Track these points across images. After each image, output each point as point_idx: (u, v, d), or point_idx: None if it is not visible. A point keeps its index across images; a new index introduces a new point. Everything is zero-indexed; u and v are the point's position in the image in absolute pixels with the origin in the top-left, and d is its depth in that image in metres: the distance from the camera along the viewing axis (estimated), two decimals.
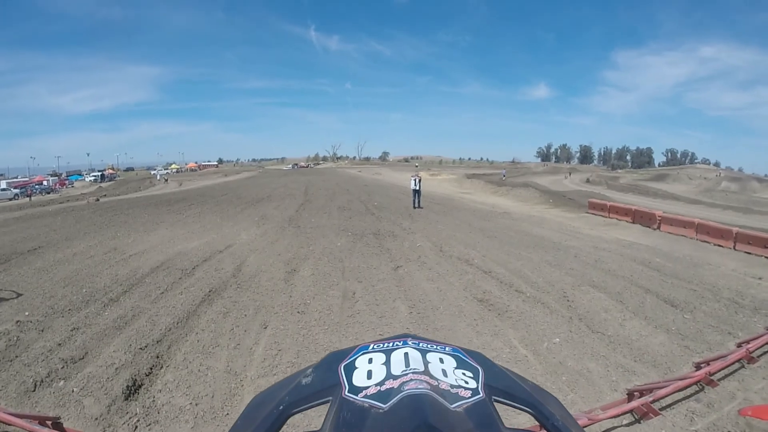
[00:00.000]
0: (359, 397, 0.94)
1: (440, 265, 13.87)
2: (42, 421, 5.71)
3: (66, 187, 60.66)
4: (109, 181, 69.52)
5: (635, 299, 11.09)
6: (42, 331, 8.61)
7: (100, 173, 76.25)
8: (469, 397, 0.95)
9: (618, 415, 6.19)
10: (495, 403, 0.96)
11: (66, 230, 18.85)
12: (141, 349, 8.00)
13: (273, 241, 16.99)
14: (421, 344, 1.18)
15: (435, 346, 1.19)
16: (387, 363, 1.07)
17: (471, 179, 61.09)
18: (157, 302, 10.25)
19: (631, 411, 6.32)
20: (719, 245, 18.28)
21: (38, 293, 10.60)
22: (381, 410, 0.89)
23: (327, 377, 1.05)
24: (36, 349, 7.83)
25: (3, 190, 43.17)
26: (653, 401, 6.23)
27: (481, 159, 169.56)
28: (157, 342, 8.33)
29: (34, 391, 6.73)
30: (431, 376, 1.00)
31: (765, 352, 8.13)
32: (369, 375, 1.02)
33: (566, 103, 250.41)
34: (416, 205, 27.23)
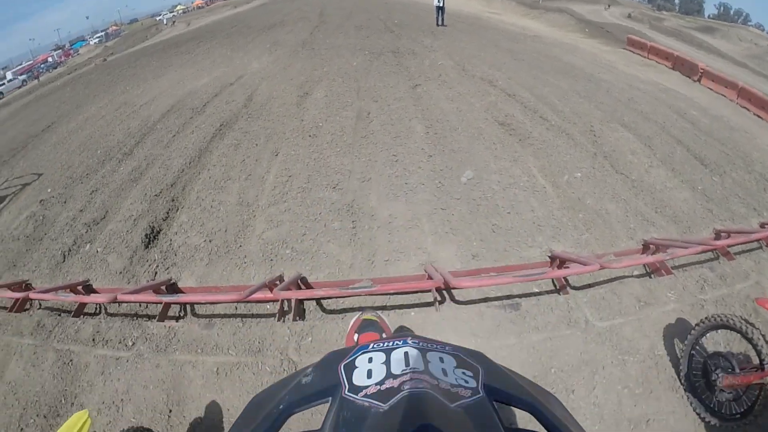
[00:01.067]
0: (359, 397, 0.93)
1: (462, 84, 12.89)
2: (73, 288, 5.97)
3: (72, 57, 58.86)
4: (115, 38, 66.61)
5: (665, 147, 10.16)
6: (65, 202, 8.69)
7: (103, 33, 73.19)
8: (469, 397, 0.93)
9: (630, 266, 5.93)
10: (495, 403, 0.93)
11: (76, 98, 18.41)
12: (156, 195, 8.03)
13: (285, 66, 16.10)
14: (421, 343, 1.15)
15: (435, 346, 1.15)
16: (387, 362, 1.05)
17: None
18: (169, 146, 10.11)
19: (644, 264, 6.09)
20: (759, 116, 16.41)
21: (57, 167, 10.58)
22: (381, 410, 0.87)
23: (327, 377, 1.04)
24: (61, 221, 7.96)
25: (9, 81, 42.36)
26: (668, 259, 5.86)
27: None
28: (171, 185, 8.32)
29: (64, 261, 6.95)
30: (431, 376, 0.99)
31: None
32: (369, 374, 1.01)
33: None
34: (440, 22, 24.95)
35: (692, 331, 4.44)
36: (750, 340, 3.91)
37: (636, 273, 6.13)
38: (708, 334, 4.38)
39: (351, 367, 1.05)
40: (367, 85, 12.82)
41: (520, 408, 0.94)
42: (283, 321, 4.91)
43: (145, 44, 39.47)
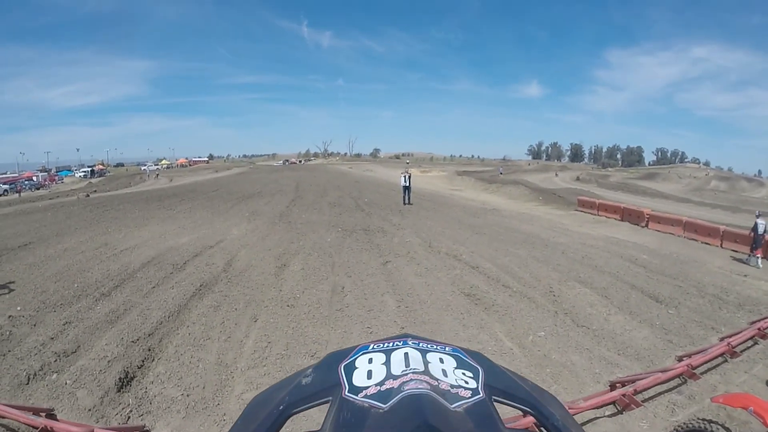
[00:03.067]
0: (359, 397, 0.94)
1: (429, 260, 14.06)
2: (36, 412, 5.81)
3: (56, 183, 60.02)
4: (99, 176, 68.66)
5: (621, 294, 11.36)
6: (34, 325, 8.69)
7: (90, 169, 75.52)
8: (469, 397, 0.95)
9: (600, 406, 6.39)
10: (495, 403, 0.97)
11: (56, 226, 18.78)
12: (133, 342, 8.12)
13: (264, 236, 17.09)
14: (421, 344, 1.17)
15: (435, 346, 1.17)
16: (387, 363, 1.06)
17: (461, 176, 61.29)
18: (149, 296, 10.35)
19: (613, 402, 6.51)
20: (706, 243, 18.84)
21: (30, 288, 10.64)
22: (381, 410, 0.89)
23: (327, 377, 1.04)
24: (29, 343, 7.92)
25: None
26: (635, 392, 6.43)
27: (472, 156, 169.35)
28: (149, 335, 8.45)
29: (28, 384, 6.84)
30: (431, 376, 1.00)
31: (747, 347, 8.41)
32: (369, 375, 1.02)
33: (558, 101, 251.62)
34: (406, 201, 27.33)
35: None
36: None
37: (608, 413, 6.43)
38: None
39: (351, 368, 1.06)
40: (341, 260, 13.70)
41: (520, 408, 0.99)
42: None
43: (128, 190, 40.56)
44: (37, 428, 5.53)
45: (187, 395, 6.73)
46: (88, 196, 33.98)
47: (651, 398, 6.79)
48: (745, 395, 4.59)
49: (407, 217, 22.69)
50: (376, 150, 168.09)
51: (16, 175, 62.14)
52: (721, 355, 7.80)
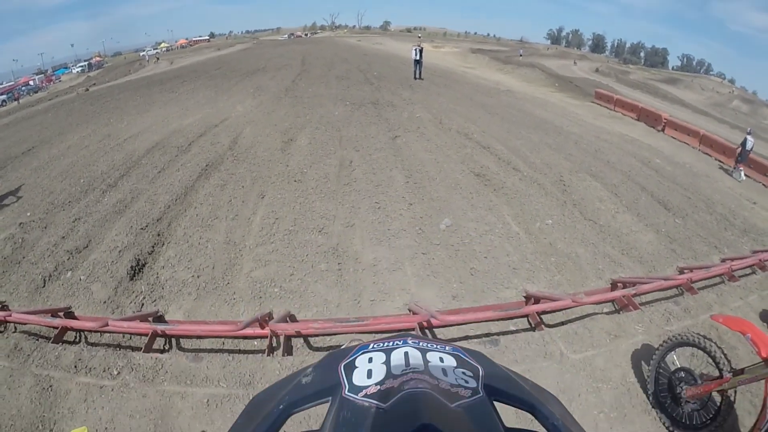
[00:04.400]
0: (359, 397, 0.93)
1: (439, 137, 13.57)
2: (54, 313, 5.91)
3: (53, 83, 58.46)
4: (98, 69, 66.71)
5: (630, 194, 11.00)
6: (45, 227, 8.67)
7: (86, 63, 73.13)
8: (469, 397, 0.93)
9: (600, 302, 6.39)
10: (495, 403, 0.94)
11: (58, 125, 18.37)
12: (142, 229, 8.10)
13: (269, 112, 16.55)
14: (421, 343, 1.15)
15: (435, 346, 1.15)
16: (387, 362, 1.05)
17: (476, 54, 58.76)
18: (155, 182, 10.23)
19: (612, 300, 6.52)
20: (720, 161, 17.97)
21: (37, 192, 10.56)
22: (381, 409, 0.87)
23: (327, 376, 1.03)
24: (41, 246, 7.93)
25: None
26: (635, 295, 6.33)
27: (488, 35, 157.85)
28: (157, 220, 8.42)
29: (44, 286, 6.92)
30: (431, 376, 0.99)
31: (746, 274, 8.07)
32: (369, 374, 1.01)
33: None
34: (417, 76, 25.99)
35: (656, 352, 4.78)
36: (708, 353, 4.26)
37: (606, 310, 6.51)
38: (670, 354, 4.70)
39: (351, 367, 1.05)
40: (349, 134, 13.29)
41: (520, 408, 0.97)
42: (272, 356, 5.04)
43: (128, 78, 39.65)
44: (56, 328, 5.63)
45: (198, 276, 6.76)
46: (87, 90, 33.14)
47: (648, 303, 6.71)
48: (745, 321, 4.48)
49: (418, 92, 21.66)
50: (387, 23, 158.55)
51: (12, 82, 60.69)
52: (720, 275, 7.61)
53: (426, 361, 1.06)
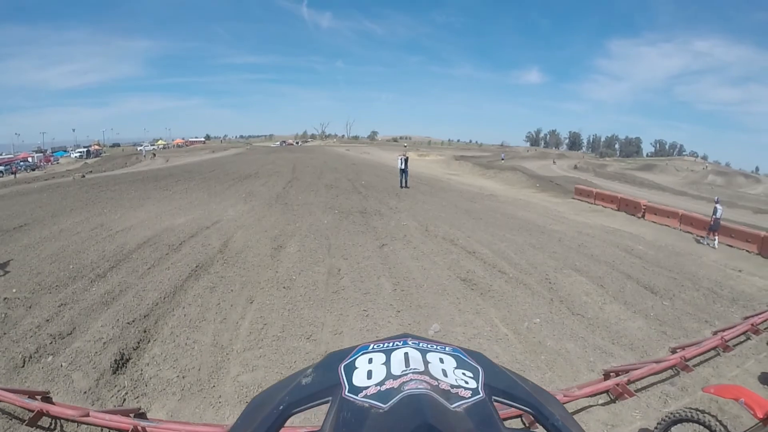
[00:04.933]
0: (359, 397, 0.93)
1: (425, 244, 14.05)
2: (31, 395, 5.81)
3: (51, 164, 59.50)
4: (95, 157, 68.11)
5: (616, 284, 11.41)
6: (30, 307, 8.66)
7: (85, 149, 74.78)
8: (469, 397, 0.95)
9: (594, 394, 6.46)
10: (495, 403, 0.97)
11: (52, 207, 18.62)
12: (128, 323, 8.10)
13: (260, 217, 17.02)
14: (421, 344, 1.16)
15: (435, 346, 1.17)
16: (387, 363, 1.06)
17: (459, 161, 61.28)
18: (144, 277, 10.32)
19: (606, 391, 6.59)
20: (702, 236, 18.74)
21: (25, 270, 10.58)
22: (381, 410, 0.89)
23: (327, 377, 1.03)
24: (24, 326, 7.90)
25: None
26: (629, 382, 6.49)
27: (470, 141, 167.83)
28: (145, 316, 8.44)
29: (23, 366, 6.83)
30: (431, 376, 1.00)
31: (740, 342, 8.47)
32: (369, 375, 1.02)
33: (558, 89, 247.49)
34: (403, 184, 27.19)
35: None
36: (705, 425, 4.28)
37: (601, 401, 6.51)
38: None
39: (351, 368, 1.05)
40: (338, 242, 13.68)
41: (520, 409, 0.99)
42: None
43: (124, 170, 40.37)
44: (32, 411, 5.55)
45: (183, 377, 6.74)
46: (83, 176, 33.76)
47: (644, 388, 6.85)
48: (736, 387, 4.66)
49: (404, 200, 22.62)
50: (374, 132, 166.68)
51: (12, 156, 61.65)
52: (714, 348, 7.88)
53: (426, 362, 1.07)
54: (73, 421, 5.57)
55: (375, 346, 1.15)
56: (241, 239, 13.77)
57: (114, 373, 6.79)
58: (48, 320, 8.13)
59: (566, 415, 1.03)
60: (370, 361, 1.08)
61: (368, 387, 0.96)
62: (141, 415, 5.90)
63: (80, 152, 72.35)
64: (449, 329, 8.52)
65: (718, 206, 17.90)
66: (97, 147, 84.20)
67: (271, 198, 21.53)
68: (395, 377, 0.98)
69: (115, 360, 7.01)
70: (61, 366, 6.84)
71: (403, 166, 27.07)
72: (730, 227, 18.27)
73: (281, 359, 7.29)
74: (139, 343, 7.62)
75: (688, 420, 4.53)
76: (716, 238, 17.63)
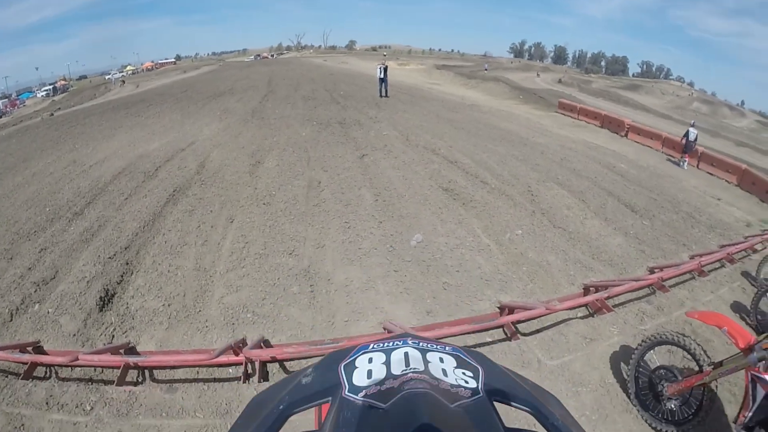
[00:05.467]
0: (359, 397, 0.94)
1: (406, 153, 13.76)
2: (22, 348, 5.78)
3: (17, 108, 57.01)
4: (63, 93, 65.54)
5: (597, 200, 11.37)
6: (11, 258, 8.48)
7: (51, 87, 71.77)
8: (469, 397, 0.95)
9: (574, 308, 6.54)
10: (495, 403, 0.96)
11: (22, 152, 17.98)
12: (110, 258, 7.99)
13: (236, 134, 16.57)
14: (421, 344, 1.17)
15: (435, 346, 1.17)
16: (387, 363, 1.07)
17: (440, 70, 59.67)
18: (122, 209, 10.11)
19: (586, 305, 6.71)
20: (668, 155, 19.00)
21: (2, 221, 10.27)
22: (381, 410, 0.89)
23: (327, 377, 1.05)
24: (7, 278, 7.74)
25: None
26: (607, 298, 6.57)
27: (452, 50, 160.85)
28: (125, 249, 8.32)
29: (11, 320, 6.75)
30: (431, 376, 1.00)
31: (715, 269, 8.52)
32: (369, 375, 1.03)
33: (545, 0, 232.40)
34: (382, 94, 26.38)
35: (634, 353, 4.95)
36: (686, 349, 4.43)
37: (580, 315, 6.67)
38: (649, 353, 4.86)
39: (351, 368, 1.06)
40: (317, 155, 13.39)
41: (520, 408, 0.98)
42: (248, 383, 5.05)
43: (93, 102, 39.01)
44: (25, 364, 5.54)
45: (168, 305, 6.71)
46: (52, 115, 32.51)
47: (621, 304, 6.94)
48: (720, 315, 4.68)
49: (384, 110, 21.94)
50: (352, 42, 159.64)
51: None
52: (691, 272, 7.95)
53: (426, 362, 1.08)
54: (65, 366, 5.57)
55: (375, 346, 1.16)
56: (217, 158, 13.43)
57: (101, 310, 6.73)
58: (30, 268, 7.98)
59: (566, 414, 1.03)
60: (370, 360, 1.09)
61: (368, 386, 0.98)
62: (131, 349, 5.92)
63: (46, 90, 69.48)
64: (432, 239, 8.45)
65: (692, 129, 18.45)
66: (63, 82, 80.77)
67: (247, 114, 20.87)
68: (395, 377, 1.00)
69: (100, 297, 6.94)
70: (48, 312, 6.76)
71: (382, 75, 26.00)
72: (712, 155, 18.30)
73: (264, 277, 7.25)
74: (122, 276, 7.53)
75: (670, 343, 4.61)
76: (687, 159, 18.26)
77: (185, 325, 6.30)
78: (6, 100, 64.41)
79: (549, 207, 10.50)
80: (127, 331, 6.33)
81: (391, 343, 1.17)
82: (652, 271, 7.96)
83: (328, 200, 9.96)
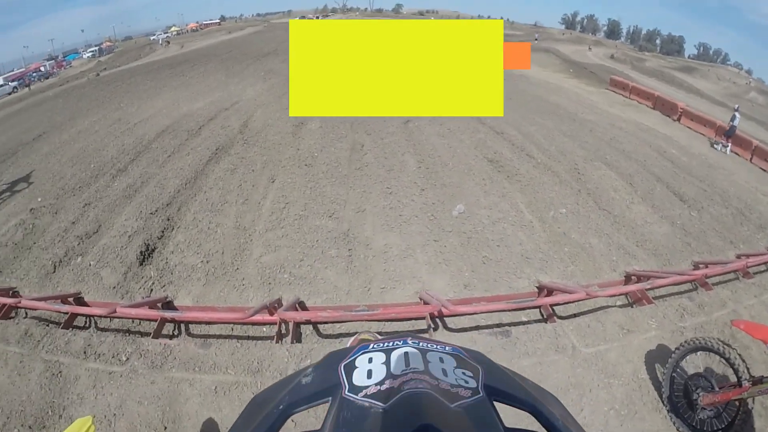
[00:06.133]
0: (359, 397, 0.93)
1: (451, 121, 13.32)
2: (64, 299, 5.92)
3: (64, 68, 58.02)
4: (108, 54, 66.40)
5: (645, 185, 10.77)
6: (56, 213, 8.67)
7: (97, 48, 73.04)
8: (469, 397, 0.93)
9: (614, 296, 6.27)
10: (495, 403, 0.93)
11: (69, 110, 18.40)
12: (151, 214, 8.06)
13: (280, 95, 16.47)
14: (421, 344, 1.14)
15: (435, 346, 1.15)
16: (387, 362, 1.05)
17: None
18: (165, 166, 10.19)
19: (626, 294, 6.41)
20: (736, 153, 17.49)
21: (48, 177, 10.55)
22: (381, 410, 0.87)
23: (327, 377, 1.03)
24: (52, 232, 7.92)
25: (1, 86, 42.00)
26: (649, 289, 6.21)
27: (502, 17, 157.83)
28: (167, 205, 8.38)
29: (54, 272, 6.90)
30: (431, 376, 0.98)
31: (761, 271, 7.90)
32: (369, 374, 1.01)
33: None
34: None
35: (672, 355, 4.64)
36: (727, 360, 4.11)
37: (619, 303, 6.40)
38: (687, 357, 4.58)
39: (351, 367, 1.05)
40: (360, 118, 13.09)
41: (520, 408, 0.96)
42: (281, 343, 4.98)
43: (138, 63, 39.52)
44: (66, 314, 5.62)
45: (207, 262, 6.72)
46: (98, 75, 33.09)
47: (662, 297, 6.56)
48: (767, 327, 4.22)
49: None
50: (399, 6, 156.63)
51: (23, 69, 60.71)
52: (735, 271, 7.41)
53: (426, 362, 1.05)
54: (104, 317, 5.62)
55: (375, 346, 1.14)
56: (261, 118, 13.38)
57: (140, 265, 6.80)
58: (74, 222, 8.14)
59: (566, 414, 1.01)
60: (370, 360, 1.07)
61: (368, 386, 0.96)
62: (168, 304, 5.94)
63: (92, 51, 70.56)
64: (474, 211, 8.20)
65: (737, 114, 17.88)
66: (109, 43, 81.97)
67: None
68: (395, 377, 0.98)
69: (141, 252, 7.01)
70: (90, 265, 6.88)
71: None
72: (766, 149, 16.89)
73: (303, 238, 7.17)
74: (163, 232, 7.59)
75: (712, 351, 4.29)
76: (729, 144, 17.54)
77: (222, 282, 6.29)
78: (53, 61, 65.81)
79: (595, 187, 10.05)
80: (165, 285, 6.36)
81: (391, 343, 1.15)
82: (696, 266, 7.56)
83: (371, 164, 9.78)
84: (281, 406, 0.95)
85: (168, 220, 7.90)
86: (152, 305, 5.62)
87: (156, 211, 8.14)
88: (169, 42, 61.90)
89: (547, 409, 0.95)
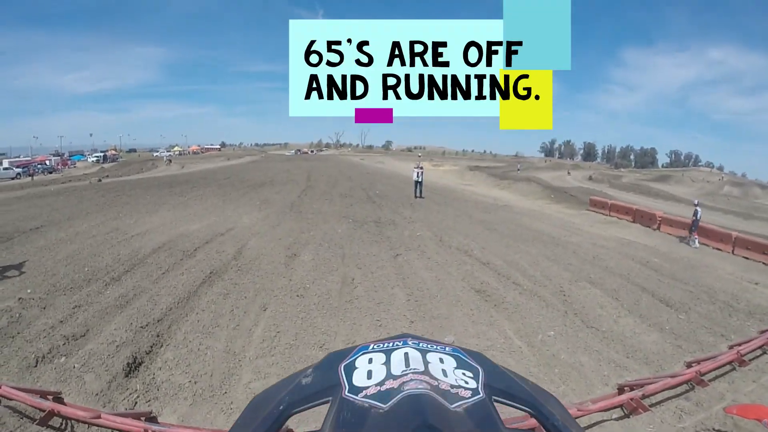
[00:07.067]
0: (359, 397, 0.95)
1: (439, 254, 13.96)
2: (43, 395, 5.82)
3: (68, 167, 60.15)
4: (112, 162, 68.96)
5: (631, 297, 11.22)
6: (44, 308, 8.69)
7: (102, 154, 75.53)
8: (469, 397, 0.96)
9: (608, 408, 6.33)
10: (495, 403, 0.97)
11: (68, 210, 18.85)
12: (142, 327, 8.11)
13: (274, 225, 17.06)
14: (421, 344, 1.18)
15: (435, 346, 1.18)
16: (387, 363, 1.08)
17: (473, 171, 60.97)
18: (159, 282, 10.34)
19: (621, 405, 6.47)
20: (718, 249, 18.50)
21: (41, 271, 10.65)
22: (381, 410, 0.90)
23: (327, 377, 1.06)
24: (38, 326, 7.92)
25: (5, 169, 42.79)
26: (643, 396, 6.37)
27: (484, 151, 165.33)
28: (158, 321, 8.44)
29: (36, 366, 6.83)
30: (431, 376, 1.01)
31: (756, 356, 8.27)
32: (369, 375, 1.03)
33: (572, 100, 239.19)
34: (418, 194, 27.15)
35: None
36: None
37: (615, 416, 6.36)
38: None
39: (351, 368, 1.07)
40: (352, 251, 13.64)
41: (520, 408, 0.99)
42: None
43: (140, 176, 40.71)
44: (44, 411, 5.53)
45: (195, 382, 6.71)
46: (100, 180, 34.11)
47: (659, 403, 6.71)
48: (759, 406, 4.54)
49: (418, 210, 22.55)
50: (388, 142, 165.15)
51: (29, 158, 62.34)
52: (730, 362, 7.71)
53: (426, 362, 1.08)
54: (84, 422, 5.54)
55: (375, 346, 1.16)
56: (255, 246, 13.77)
57: (126, 376, 6.77)
58: (62, 321, 8.15)
59: (566, 414, 1.05)
60: (370, 361, 1.10)
61: (368, 387, 0.98)
62: (152, 419, 5.87)
63: (97, 157, 73.03)
64: (463, 340, 8.38)
65: (698, 208, 19.00)
66: (113, 152, 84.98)
67: (286, 206, 21.59)
68: (395, 377, 1.00)
69: (128, 363, 6.99)
70: (74, 367, 6.83)
71: (418, 178, 27.08)
72: (746, 239, 17.93)
73: (293, 367, 7.19)
74: (152, 347, 7.61)
75: None
76: (696, 237, 18.69)
77: (209, 405, 6.26)
78: (58, 157, 67.80)
79: (581, 307, 10.34)
80: (150, 400, 6.31)
81: (391, 344, 1.17)
82: (689, 365, 7.63)
83: (361, 297, 10.04)
84: (281, 407, 0.98)
85: (158, 336, 7.93)
86: (136, 417, 5.57)
87: (147, 325, 8.19)
88: (171, 161, 64.22)
89: (547, 410, 0.99)
